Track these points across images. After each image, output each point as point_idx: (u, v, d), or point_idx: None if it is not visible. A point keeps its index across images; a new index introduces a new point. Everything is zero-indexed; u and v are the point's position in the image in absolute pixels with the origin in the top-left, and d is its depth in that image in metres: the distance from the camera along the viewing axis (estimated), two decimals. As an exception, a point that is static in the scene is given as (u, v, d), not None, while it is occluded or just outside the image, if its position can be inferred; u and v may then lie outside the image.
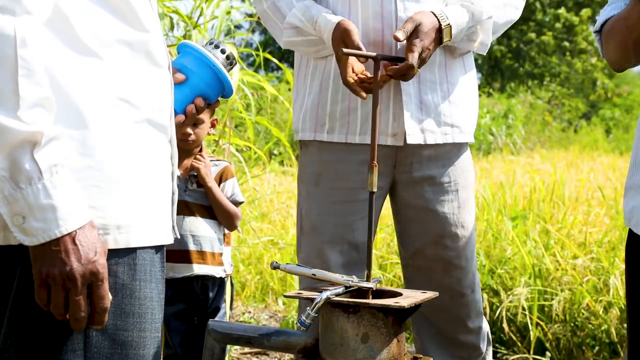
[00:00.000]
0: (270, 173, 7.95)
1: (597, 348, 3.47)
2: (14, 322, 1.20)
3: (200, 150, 2.78)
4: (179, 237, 1.43)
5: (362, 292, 1.54)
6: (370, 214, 1.63)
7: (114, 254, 1.21)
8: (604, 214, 4.93)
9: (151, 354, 1.30)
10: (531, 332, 3.50)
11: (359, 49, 1.97)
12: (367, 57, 1.92)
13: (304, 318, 1.47)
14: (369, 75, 2.02)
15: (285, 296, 1.59)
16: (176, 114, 1.48)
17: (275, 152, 10.34)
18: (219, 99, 1.58)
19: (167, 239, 1.34)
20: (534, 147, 13.70)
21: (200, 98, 1.52)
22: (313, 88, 2.19)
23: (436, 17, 2.03)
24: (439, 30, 2.04)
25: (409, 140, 2.12)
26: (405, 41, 2.01)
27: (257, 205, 5.92)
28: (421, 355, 1.57)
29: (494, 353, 3.53)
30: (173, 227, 1.38)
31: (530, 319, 3.51)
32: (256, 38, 19.90)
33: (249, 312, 4.34)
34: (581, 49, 22.06)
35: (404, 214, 2.23)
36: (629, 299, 1.70)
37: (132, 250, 1.25)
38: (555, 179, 5.63)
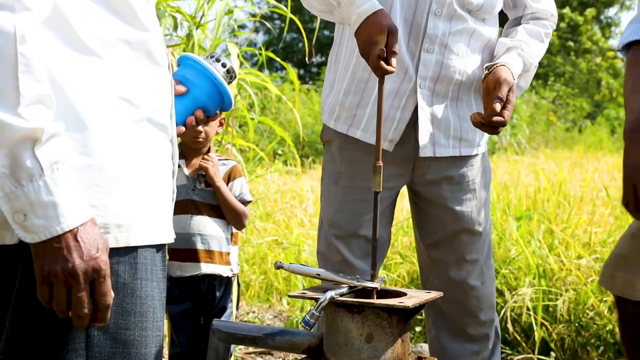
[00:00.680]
0: (274, 173, 7.95)
1: (601, 348, 3.46)
2: (16, 322, 1.20)
3: (209, 151, 2.81)
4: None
5: (366, 292, 1.54)
6: (375, 214, 1.65)
7: (114, 253, 1.21)
8: (608, 214, 4.92)
9: (153, 352, 1.29)
10: (536, 332, 3.49)
11: (395, 52, 1.91)
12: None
13: (308, 318, 1.47)
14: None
15: (289, 296, 1.59)
16: (176, 125, 1.50)
17: (280, 151, 10.34)
18: (217, 111, 1.61)
19: (168, 238, 1.34)
20: (539, 147, 13.67)
21: (200, 110, 1.55)
22: (338, 74, 2.25)
23: (511, 73, 2.08)
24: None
25: (421, 154, 2.17)
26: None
27: (261, 205, 5.92)
28: (426, 356, 1.57)
29: (499, 353, 3.52)
30: None
31: (535, 319, 3.51)
32: (260, 38, 19.92)
33: (253, 312, 4.34)
34: (586, 49, 22.03)
35: (423, 209, 2.30)
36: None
37: (133, 249, 1.25)
38: (560, 179, 5.62)
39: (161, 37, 1.35)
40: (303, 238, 5.25)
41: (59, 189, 1.10)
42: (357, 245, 2.23)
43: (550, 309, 3.60)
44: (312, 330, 1.50)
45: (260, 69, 4.47)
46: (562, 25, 21.99)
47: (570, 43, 22.00)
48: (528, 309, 3.53)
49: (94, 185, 1.19)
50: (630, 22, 1.92)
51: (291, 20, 4.13)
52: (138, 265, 1.26)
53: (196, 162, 2.78)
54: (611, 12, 28.71)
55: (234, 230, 2.85)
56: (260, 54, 4.26)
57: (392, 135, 2.16)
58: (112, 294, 1.18)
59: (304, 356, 1.55)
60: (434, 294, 1.55)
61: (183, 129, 1.53)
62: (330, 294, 1.45)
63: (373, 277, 1.59)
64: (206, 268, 2.73)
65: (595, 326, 3.49)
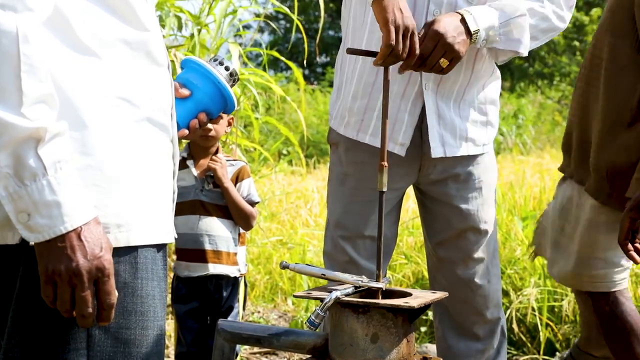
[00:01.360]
0: (279, 173, 7.95)
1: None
2: (17, 322, 1.20)
3: (217, 151, 2.82)
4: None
5: (371, 292, 1.53)
6: (381, 214, 1.65)
7: (115, 253, 1.21)
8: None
9: (154, 351, 1.29)
10: (541, 333, 3.48)
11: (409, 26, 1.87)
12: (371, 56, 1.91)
13: (314, 318, 1.47)
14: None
15: (294, 296, 1.59)
16: (179, 128, 1.51)
17: (285, 152, 10.34)
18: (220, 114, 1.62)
19: (169, 238, 1.34)
20: (544, 147, 13.63)
21: (203, 113, 1.56)
22: (345, 77, 2.24)
23: (464, 20, 2.02)
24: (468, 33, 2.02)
25: (434, 155, 2.17)
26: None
27: (266, 206, 5.92)
28: (431, 356, 1.56)
29: (504, 354, 3.51)
30: None
31: (540, 319, 3.50)
32: (265, 38, 19.93)
33: (258, 312, 4.34)
34: (591, 49, 21.95)
35: (430, 207, 2.31)
36: None
37: (134, 249, 1.25)
38: (565, 178, 5.59)
39: (161, 37, 1.35)
40: (308, 238, 5.25)
41: (63, 188, 1.10)
42: (363, 245, 2.24)
43: (556, 309, 3.60)
44: (317, 330, 1.50)
45: (265, 68, 4.46)
46: (568, 25, 21.93)
47: (576, 43, 21.96)
48: (533, 309, 3.53)
49: (93, 185, 1.19)
50: None
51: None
52: (138, 264, 1.26)
53: (204, 162, 2.79)
54: (617, 11, 28.60)
55: (241, 230, 2.85)
56: (265, 54, 4.26)
57: (402, 139, 2.17)
58: (116, 293, 1.18)
59: (309, 356, 1.55)
60: (439, 294, 1.55)
61: (186, 132, 1.54)
62: (335, 294, 1.45)
63: (378, 277, 1.59)
64: (214, 268, 2.75)
65: (601, 326, 3.47)
